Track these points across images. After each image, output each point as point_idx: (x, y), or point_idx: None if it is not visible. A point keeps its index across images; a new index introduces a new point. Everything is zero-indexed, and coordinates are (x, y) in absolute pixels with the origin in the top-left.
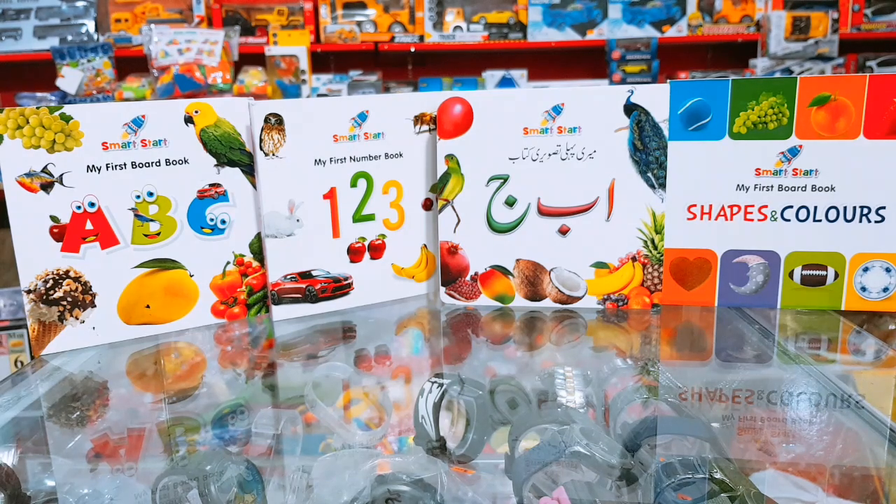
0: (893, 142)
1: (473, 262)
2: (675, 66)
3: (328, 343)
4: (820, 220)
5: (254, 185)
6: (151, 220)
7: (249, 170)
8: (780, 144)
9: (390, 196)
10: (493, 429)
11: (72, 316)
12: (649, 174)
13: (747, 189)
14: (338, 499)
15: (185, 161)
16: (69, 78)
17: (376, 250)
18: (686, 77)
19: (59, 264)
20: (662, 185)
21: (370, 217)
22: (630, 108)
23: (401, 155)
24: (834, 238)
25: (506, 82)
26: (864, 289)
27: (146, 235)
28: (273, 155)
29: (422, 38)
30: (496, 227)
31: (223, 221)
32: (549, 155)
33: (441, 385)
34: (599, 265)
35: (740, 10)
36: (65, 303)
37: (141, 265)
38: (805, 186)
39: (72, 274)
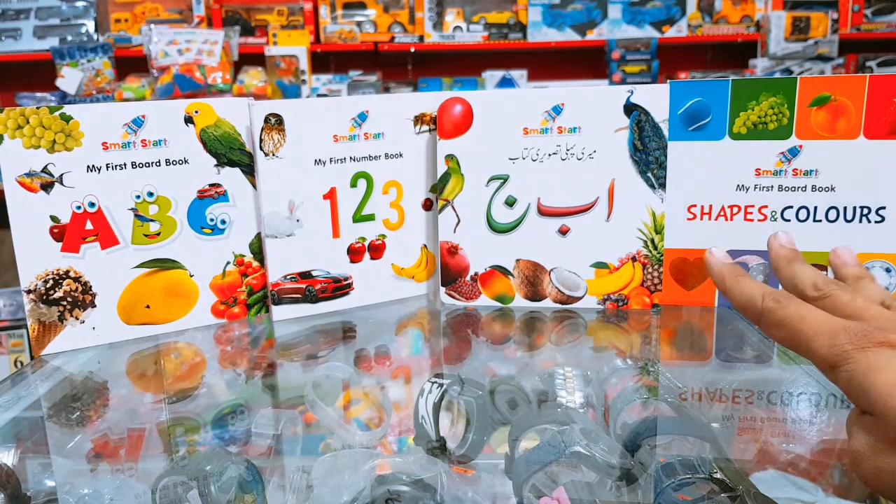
0: (893, 142)
1: (473, 263)
2: (675, 67)
3: (328, 343)
4: (820, 221)
5: (254, 185)
6: (151, 221)
7: (249, 170)
8: (780, 144)
9: (390, 196)
10: (493, 429)
11: (72, 316)
12: (649, 174)
13: (747, 189)
14: (338, 499)
15: (185, 161)
16: (69, 78)
17: (376, 250)
18: (686, 77)
19: (59, 264)
20: (662, 185)
21: (370, 217)
22: (630, 108)
23: (401, 155)
24: (834, 238)
25: (506, 82)
26: None
27: (146, 235)
28: (273, 155)
29: (422, 38)
30: (496, 228)
31: (223, 221)
32: (549, 155)
33: (441, 385)
34: (599, 265)
35: (740, 11)
36: (65, 303)
37: (141, 265)
38: (805, 187)
39: (72, 274)
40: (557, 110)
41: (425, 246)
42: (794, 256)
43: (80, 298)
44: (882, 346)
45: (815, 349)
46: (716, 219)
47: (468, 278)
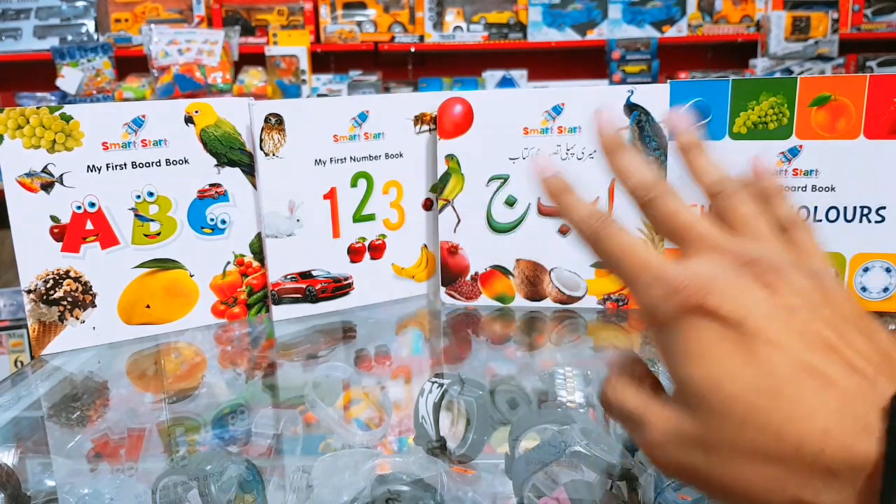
0: (893, 142)
1: (473, 262)
2: (675, 66)
3: (328, 343)
4: (820, 221)
5: (254, 185)
6: (151, 220)
7: (249, 170)
8: (781, 144)
9: (390, 196)
10: (493, 429)
11: (72, 316)
12: None
13: None
14: (338, 499)
15: (186, 161)
16: (69, 78)
17: (376, 250)
18: (686, 77)
19: (59, 264)
20: None
21: (370, 217)
22: (630, 108)
23: (401, 155)
24: (834, 238)
25: (506, 82)
26: (864, 289)
27: (146, 235)
28: (273, 155)
29: (422, 38)
30: (496, 227)
31: (223, 221)
32: (550, 155)
33: (441, 385)
34: (600, 265)
35: (740, 10)
36: (65, 303)
37: (141, 265)
38: (805, 187)
39: (72, 274)
40: (557, 110)
41: (425, 246)
42: (618, 143)
43: (81, 298)
44: (698, 315)
45: (635, 297)
46: None
47: (468, 278)
